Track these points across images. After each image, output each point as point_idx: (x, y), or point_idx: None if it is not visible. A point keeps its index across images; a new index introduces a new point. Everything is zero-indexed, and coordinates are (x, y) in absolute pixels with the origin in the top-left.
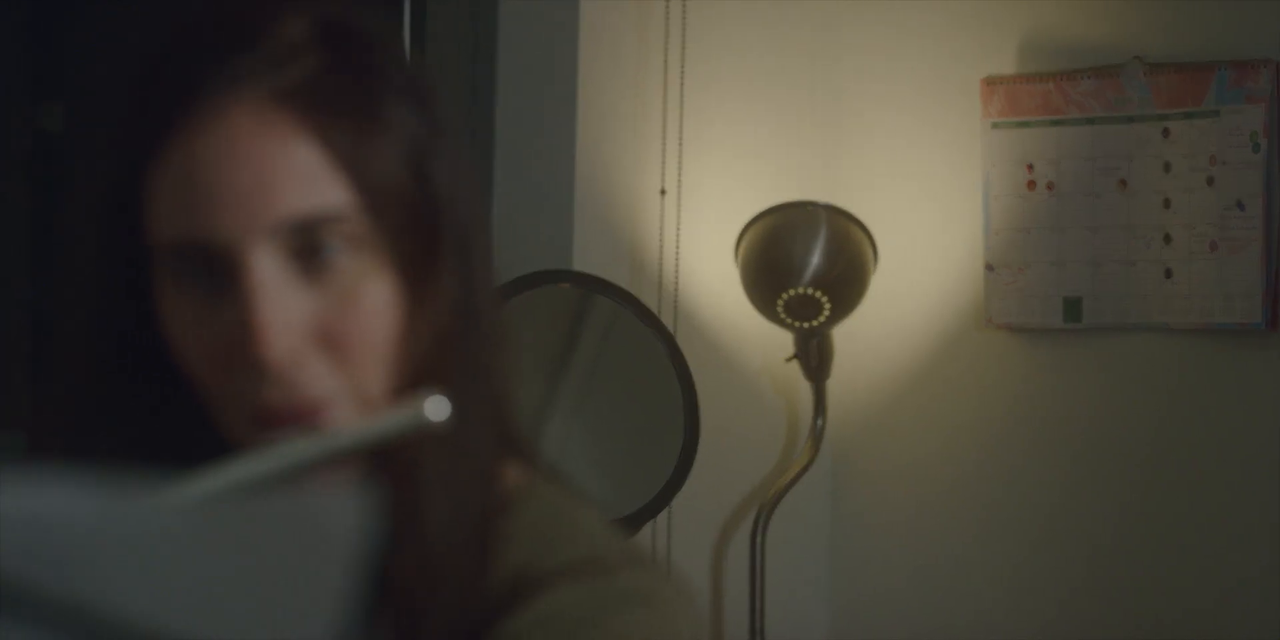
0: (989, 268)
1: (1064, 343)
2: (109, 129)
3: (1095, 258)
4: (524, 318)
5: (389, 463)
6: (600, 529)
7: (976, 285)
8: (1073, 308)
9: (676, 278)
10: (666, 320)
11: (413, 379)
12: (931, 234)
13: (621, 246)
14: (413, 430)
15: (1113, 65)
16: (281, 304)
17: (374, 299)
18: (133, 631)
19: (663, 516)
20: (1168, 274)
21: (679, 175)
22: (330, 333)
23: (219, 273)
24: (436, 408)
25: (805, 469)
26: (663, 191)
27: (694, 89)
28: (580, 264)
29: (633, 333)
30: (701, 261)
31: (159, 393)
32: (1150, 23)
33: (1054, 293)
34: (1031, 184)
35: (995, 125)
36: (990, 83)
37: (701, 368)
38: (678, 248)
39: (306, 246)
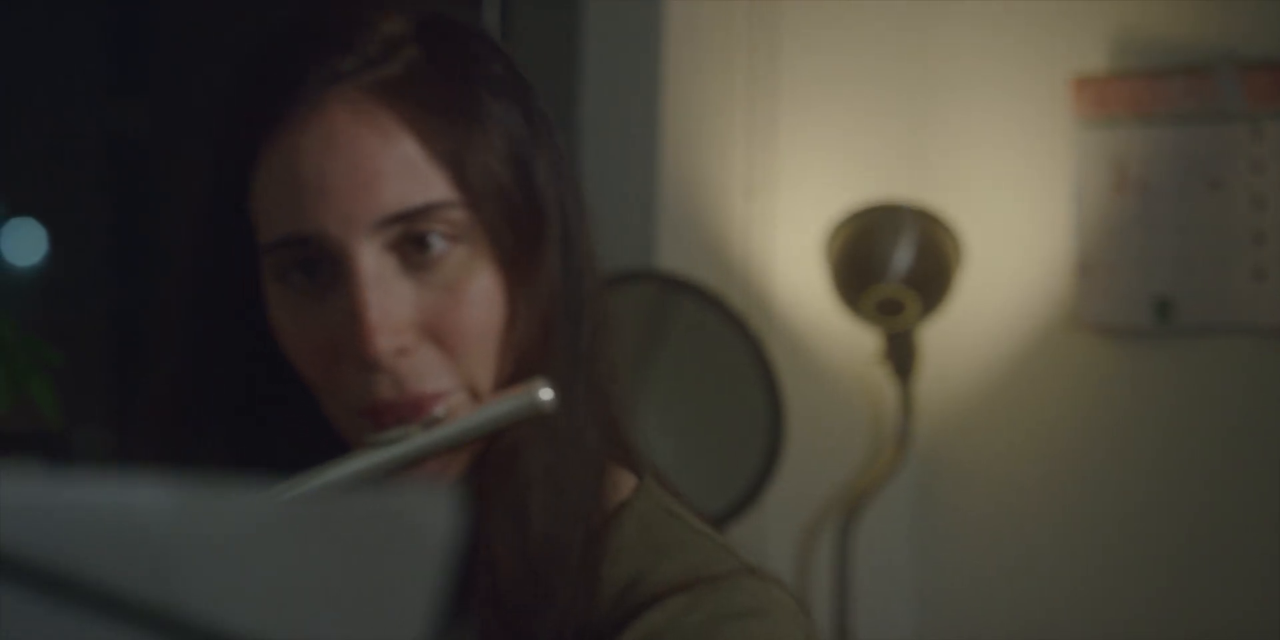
0: (1078, 268)
1: (1153, 344)
2: (212, 127)
3: (1185, 258)
4: None
5: (494, 456)
6: (710, 536)
7: (1065, 286)
8: (1162, 308)
9: (762, 278)
10: (752, 320)
11: (517, 370)
12: (1020, 234)
13: (706, 246)
14: (522, 416)
15: (1204, 64)
16: (388, 298)
17: (478, 291)
18: (218, 631)
19: (747, 517)
20: (1259, 275)
21: (766, 175)
22: (436, 326)
23: (324, 267)
24: (544, 393)
25: (892, 470)
26: (748, 189)
27: (781, 88)
28: (665, 263)
29: (718, 332)
30: (787, 261)
31: (267, 390)
32: (1243, 20)
33: (1144, 293)
34: (1122, 184)
35: (1085, 124)
36: (1080, 82)
37: (786, 368)
38: (764, 247)
39: (410, 240)
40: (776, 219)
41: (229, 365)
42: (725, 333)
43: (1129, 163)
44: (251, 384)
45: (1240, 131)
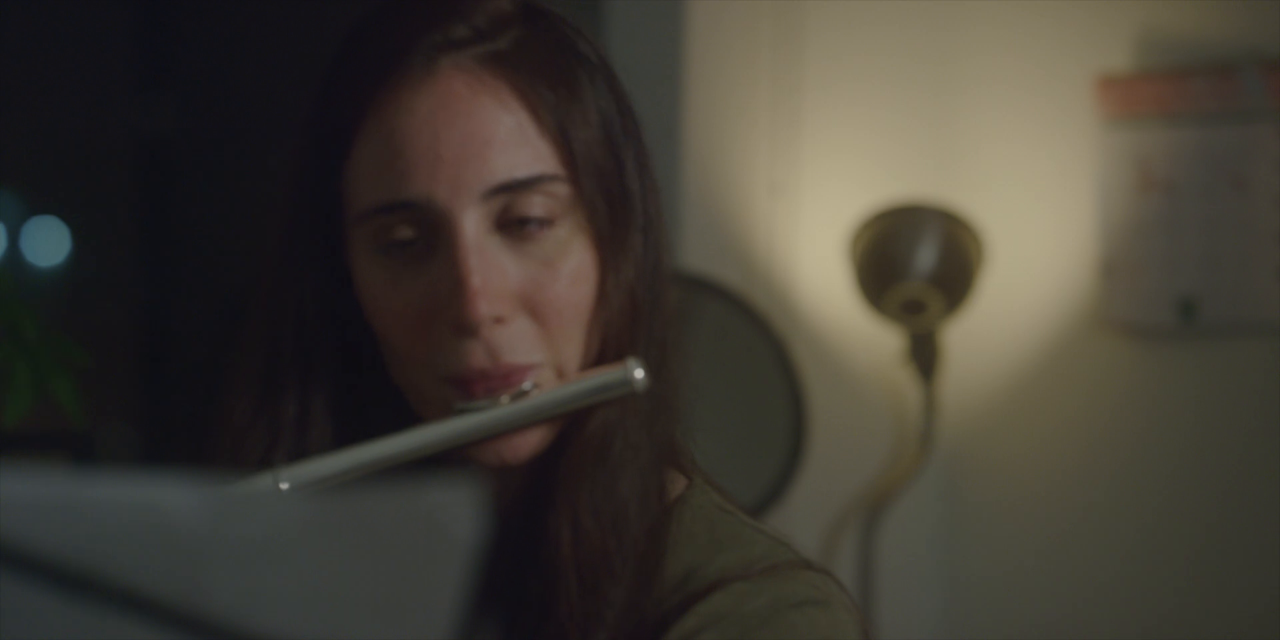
0: (1103, 268)
1: (1177, 343)
2: (316, 92)
3: (1210, 258)
4: None
5: (585, 433)
6: (765, 531)
7: (1089, 285)
8: (1187, 308)
9: (785, 278)
10: (775, 320)
11: (602, 351)
12: (1044, 234)
13: (730, 245)
14: (612, 394)
15: (1229, 63)
16: (489, 266)
17: (574, 267)
18: (247, 631)
19: (770, 517)
20: None
21: (789, 174)
22: (532, 298)
23: (425, 235)
24: (637, 373)
25: (915, 470)
26: (772, 189)
27: (804, 88)
28: (688, 263)
29: (741, 333)
30: (811, 261)
31: (343, 359)
32: (1268, 20)
33: (1168, 293)
34: (1146, 183)
35: (1110, 124)
36: (1105, 81)
37: (809, 368)
38: (787, 247)
39: (514, 212)
40: (800, 219)
41: (307, 333)
42: (748, 333)
43: (1154, 162)
44: (329, 353)
45: (1265, 131)
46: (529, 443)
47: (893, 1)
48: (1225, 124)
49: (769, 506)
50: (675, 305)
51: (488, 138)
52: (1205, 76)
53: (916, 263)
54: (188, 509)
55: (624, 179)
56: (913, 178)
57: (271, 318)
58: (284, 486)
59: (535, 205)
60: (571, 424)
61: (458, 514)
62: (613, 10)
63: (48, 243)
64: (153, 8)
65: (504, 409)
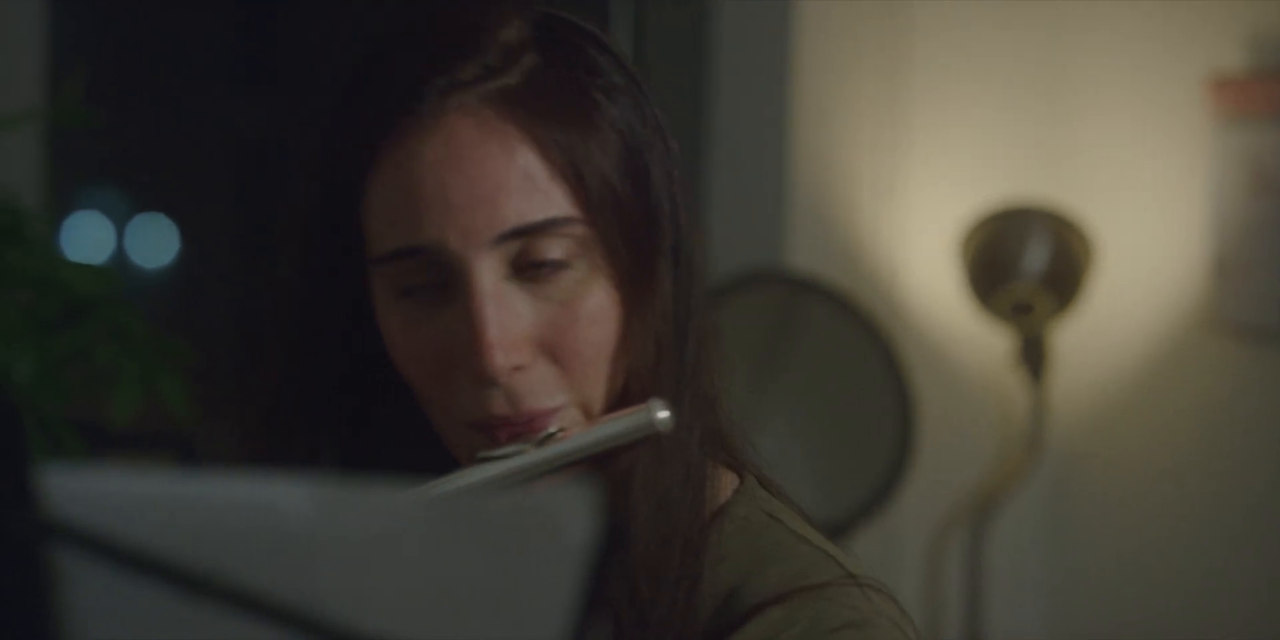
0: (1215, 269)
1: None
2: (324, 133)
3: None
4: (738, 317)
5: (600, 472)
6: (814, 543)
7: (1201, 286)
8: None
9: (893, 279)
10: (883, 322)
11: (628, 388)
12: (1155, 235)
13: (838, 246)
14: (637, 436)
15: None
16: (506, 314)
17: (594, 307)
18: (358, 631)
19: (878, 519)
20: None
21: (897, 175)
22: (552, 342)
23: (441, 280)
24: (661, 414)
25: (1025, 472)
26: (875, 190)
27: (913, 89)
28: (796, 264)
29: (848, 334)
30: (919, 262)
31: (373, 403)
32: None
33: None
34: (1259, 184)
35: (1222, 124)
36: (1217, 82)
37: (917, 369)
38: (895, 248)
39: (529, 255)
40: (908, 220)
41: (333, 376)
42: (856, 334)
43: (1266, 163)
44: (357, 396)
45: None
46: (563, 482)
47: (1003, 3)
48: None
49: (876, 509)
50: (710, 320)
51: (498, 183)
52: None
53: (1026, 264)
54: (301, 509)
55: (649, 205)
56: (1022, 179)
57: (289, 354)
58: None
59: (550, 249)
60: (595, 465)
61: (571, 515)
62: (722, 12)
63: (153, 241)
64: (256, 5)
65: (529, 456)
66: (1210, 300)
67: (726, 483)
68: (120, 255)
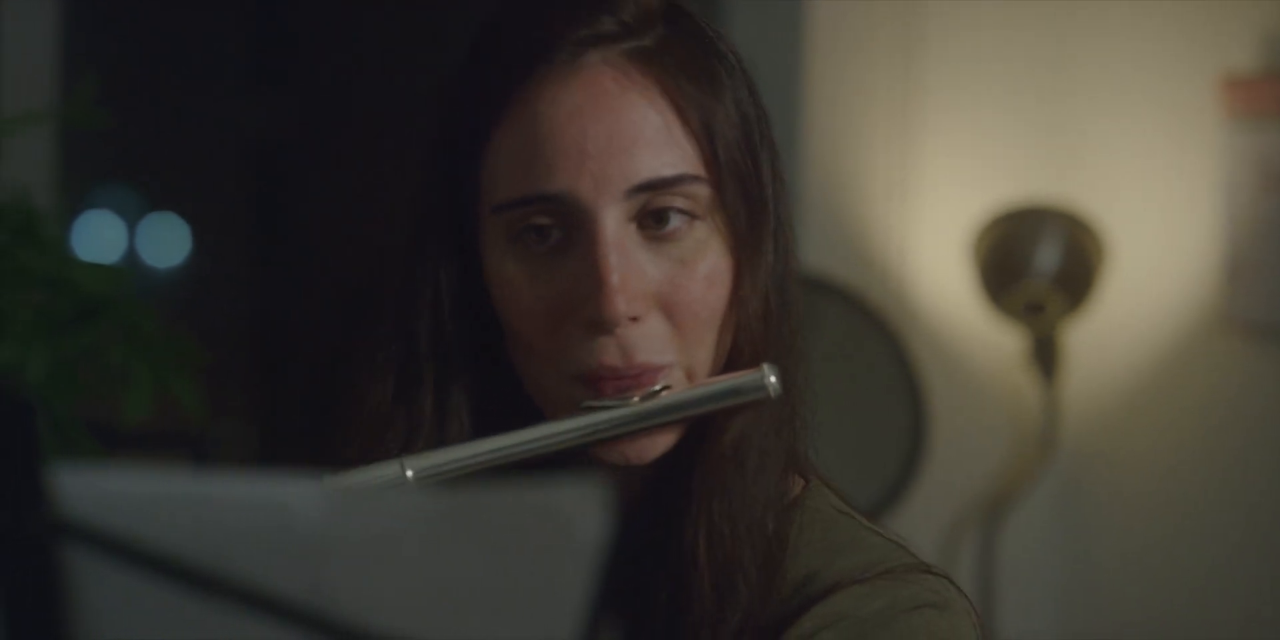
0: (1227, 269)
1: None
2: (449, 87)
3: None
4: None
5: (719, 438)
6: (884, 534)
7: (1213, 286)
8: None
9: (905, 278)
10: (894, 321)
11: (733, 355)
12: (1167, 235)
13: (849, 246)
14: (745, 400)
15: None
16: (628, 264)
17: (710, 269)
18: (370, 630)
19: (890, 518)
20: None
21: (909, 175)
22: (668, 298)
23: (565, 229)
24: (772, 379)
25: (1036, 472)
26: (889, 191)
27: (925, 89)
28: (808, 263)
29: (860, 333)
30: (931, 262)
31: (471, 354)
32: None
33: None
34: (1271, 184)
35: (1234, 124)
36: (1229, 82)
37: (929, 369)
38: (907, 248)
39: (654, 211)
40: (920, 219)
41: (442, 324)
42: (868, 334)
43: (1278, 163)
44: (464, 344)
45: None
46: (656, 445)
47: (1014, 3)
48: None
49: (888, 508)
50: (802, 312)
51: (635, 135)
52: None
53: (1038, 263)
54: (312, 508)
55: (760, 182)
56: (1034, 178)
57: (405, 309)
58: (409, 474)
59: (674, 205)
60: (702, 428)
61: (585, 513)
62: (734, 13)
63: (165, 241)
64: (267, 7)
65: (635, 408)
66: (1222, 300)
67: (796, 481)
68: (132, 254)
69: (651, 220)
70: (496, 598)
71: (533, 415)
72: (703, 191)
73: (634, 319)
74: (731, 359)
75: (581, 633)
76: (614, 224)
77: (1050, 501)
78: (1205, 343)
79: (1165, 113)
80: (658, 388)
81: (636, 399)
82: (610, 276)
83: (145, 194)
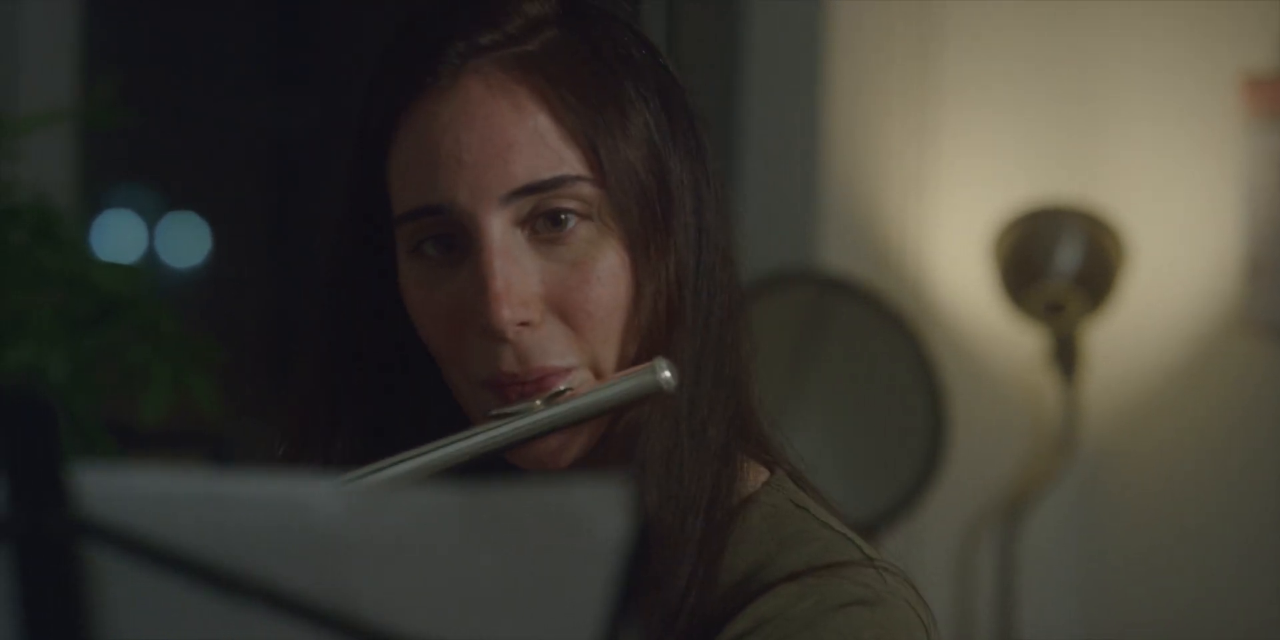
0: (1248, 269)
1: None
2: (359, 102)
3: None
4: (769, 317)
5: (614, 435)
6: (836, 529)
7: (1234, 286)
8: None
9: (925, 279)
10: (914, 321)
11: (640, 351)
12: (1188, 235)
13: (869, 246)
14: (643, 394)
15: None
16: (514, 269)
17: (604, 269)
18: (388, 627)
19: (909, 518)
20: None
21: (928, 175)
22: (562, 301)
23: (456, 239)
24: (665, 371)
25: (1056, 471)
26: (906, 190)
27: (943, 89)
28: (827, 263)
29: (879, 333)
30: (950, 262)
31: (398, 363)
32: None
33: None
34: None
35: (1255, 124)
36: (1249, 82)
37: (949, 369)
38: (927, 248)
39: (539, 215)
40: (940, 219)
41: (363, 338)
42: (887, 334)
43: None
44: (384, 357)
45: None
46: (569, 447)
47: (1033, 2)
48: None
49: (907, 508)
50: (738, 305)
51: (509, 141)
52: None
53: (1058, 263)
54: (331, 507)
55: (666, 182)
56: (1054, 178)
57: (325, 320)
58: None
59: (560, 208)
60: (608, 426)
61: (604, 513)
62: (754, 13)
63: (184, 241)
64: (287, 6)
65: (537, 414)
66: (1242, 299)
67: (756, 475)
68: (151, 254)
69: (544, 222)
70: (515, 597)
71: (459, 418)
72: (587, 191)
73: (526, 324)
74: (638, 356)
75: (600, 633)
76: (498, 230)
77: (1070, 501)
78: (1225, 342)
79: (1185, 112)
80: (560, 389)
81: (539, 403)
82: (494, 283)
83: (165, 194)
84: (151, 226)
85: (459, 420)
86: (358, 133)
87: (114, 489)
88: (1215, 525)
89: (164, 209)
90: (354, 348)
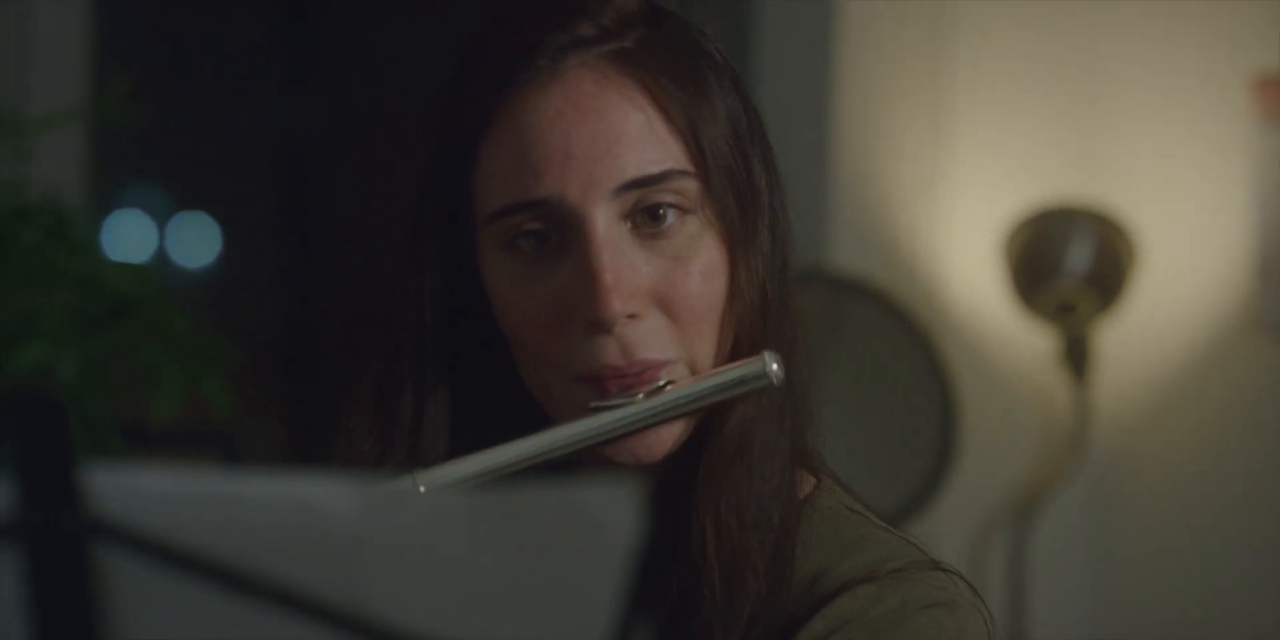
0: (1258, 269)
1: None
2: (440, 99)
3: None
4: None
5: (724, 429)
6: (894, 532)
7: (1244, 287)
8: None
9: (936, 279)
10: (925, 321)
11: (734, 347)
12: (1198, 235)
13: (880, 246)
14: (748, 388)
15: None
16: (622, 263)
17: (705, 263)
18: (400, 627)
19: (921, 518)
20: None
21: (940, 175)
22: (665, 295)
23: (556, 233)
24: (774, 366)
25: (1067, 472)
26: (917, 190)
27: (955, 89)
28: (838, 263)
29: (890, 333)
30: (961, 262)
31: (471, 364)
32: None
33: None
34: None
35: (1266, 124)
36: (1260, 82)
37: (960, 369)
38: (938, 248)
39: (644, 209)
40: (951, 220)
41: (427, 336)
42: (899, 334)
43: None
44: (449, 356)
45: None
46: (665, 440)
47: (1045, 3)
48: None
49: (919, 508)
50: (801, 305)
51: (618, 135)
52: None
53: (1069, 264)
54: (342, 507)
55: (751, 177)
56: (1065, 179)
57: (395, 322)
58: (421, 490)
59: (664, 202)
60: (707, 421)
61: (615, 513)
62: (764, 13)
63: (195, 240)
64: (301, 6)
65: (640, 405)
66: (1253, 300)
67: (806, 479)
68: (162, 254)
69: (646, 217)
70: (528, 598)
71: (538, 419)
72: (691, 186)
73: (631, 317)
74: (733, 352)
75: (614, 633)
76: (605, 224)
77: (1081, 502)
78: (1236, 343)
79: (1196, 113)
80: (661, 383)
81: (641, 396)
82: (604, 276)
83: (176, 193)
84: (162, 226)
85: (536, 422)
86: (439, 132)
87: (125, 489)
88: (1226, 525)
89: (174, 209)
90: (420, 348)
